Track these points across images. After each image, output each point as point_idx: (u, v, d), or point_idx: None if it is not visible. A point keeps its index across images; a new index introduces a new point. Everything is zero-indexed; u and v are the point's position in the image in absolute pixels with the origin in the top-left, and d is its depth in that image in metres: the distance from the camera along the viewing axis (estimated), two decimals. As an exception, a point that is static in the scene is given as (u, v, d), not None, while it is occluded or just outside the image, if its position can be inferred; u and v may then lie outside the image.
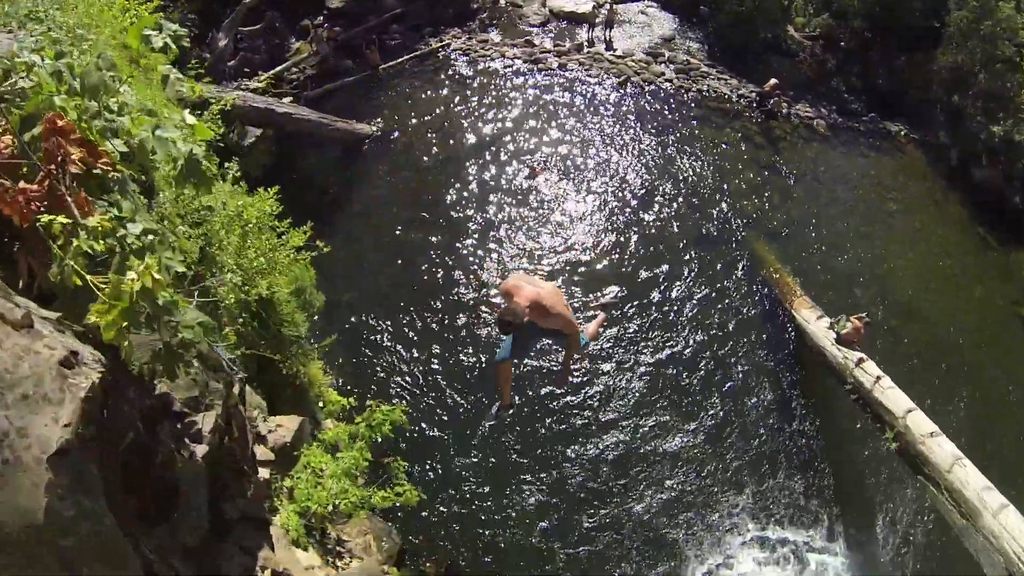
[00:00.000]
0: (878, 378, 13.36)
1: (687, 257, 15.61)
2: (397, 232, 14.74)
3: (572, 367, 9.98)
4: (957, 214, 19.63)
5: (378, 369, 12.92)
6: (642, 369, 13.87)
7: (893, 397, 13.23)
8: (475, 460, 12.25)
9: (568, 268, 14.93)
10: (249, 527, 6.55)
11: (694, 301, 15.02)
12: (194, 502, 4.71)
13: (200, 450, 4.69)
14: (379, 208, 15.16)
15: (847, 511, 13.70)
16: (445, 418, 12.59)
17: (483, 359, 13.18)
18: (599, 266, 15.11)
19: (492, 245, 14.97)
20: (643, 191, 16.85)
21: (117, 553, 2.93)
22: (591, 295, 14.60)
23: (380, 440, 8.95)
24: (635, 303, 14.65)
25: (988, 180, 21.27)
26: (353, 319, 13.22)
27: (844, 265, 16.61)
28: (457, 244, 14.86)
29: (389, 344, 13.19)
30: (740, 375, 14.33)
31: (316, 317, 10.54)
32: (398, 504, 8.90)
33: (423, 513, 11.60)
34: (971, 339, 16.18)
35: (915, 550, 13.72)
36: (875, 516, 13.87)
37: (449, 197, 15.66)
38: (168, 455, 4.28)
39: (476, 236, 15.03)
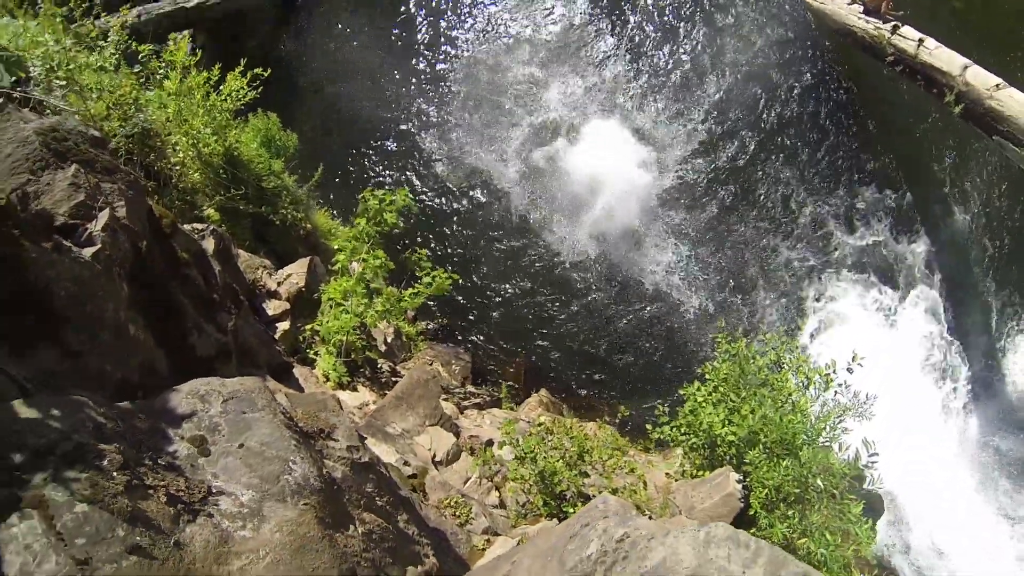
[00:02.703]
0: (921, 40, 11.41)
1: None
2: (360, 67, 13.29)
3: None
4: None
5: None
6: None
7: (944, 56, 11.34)
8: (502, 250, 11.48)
9: None
10: (248, 367, 5.97)
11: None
12: (94, 314, 3.87)
13: (87, 252, 3.80)
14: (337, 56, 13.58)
15: (915, 187, 12.26)
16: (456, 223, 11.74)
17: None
18: None
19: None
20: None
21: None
22: None
23: (386, 230, 8.08)
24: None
25: None
26: (340, 156, 12.20)
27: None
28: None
29: (379, 169, 12.19)
30: (765, 78, 12.70)
31: (295, 161, 9.60)
32: (432, 296, 8.16)
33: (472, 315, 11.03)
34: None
35: (995, 217, 12.21)
36: (946, 189, 12.35)
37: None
38: (35, 259, 3.42)
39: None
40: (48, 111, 5.05)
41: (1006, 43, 12.79)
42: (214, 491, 2.86)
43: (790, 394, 7.44)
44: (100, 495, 2.34)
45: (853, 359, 7.28)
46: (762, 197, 12.12)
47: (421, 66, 12.86)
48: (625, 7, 13.28)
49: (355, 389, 7.94)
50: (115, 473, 2.48)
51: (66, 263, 3.73)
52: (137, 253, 4.50)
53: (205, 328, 5.18)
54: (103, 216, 4.32)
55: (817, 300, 11.77)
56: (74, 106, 6.77)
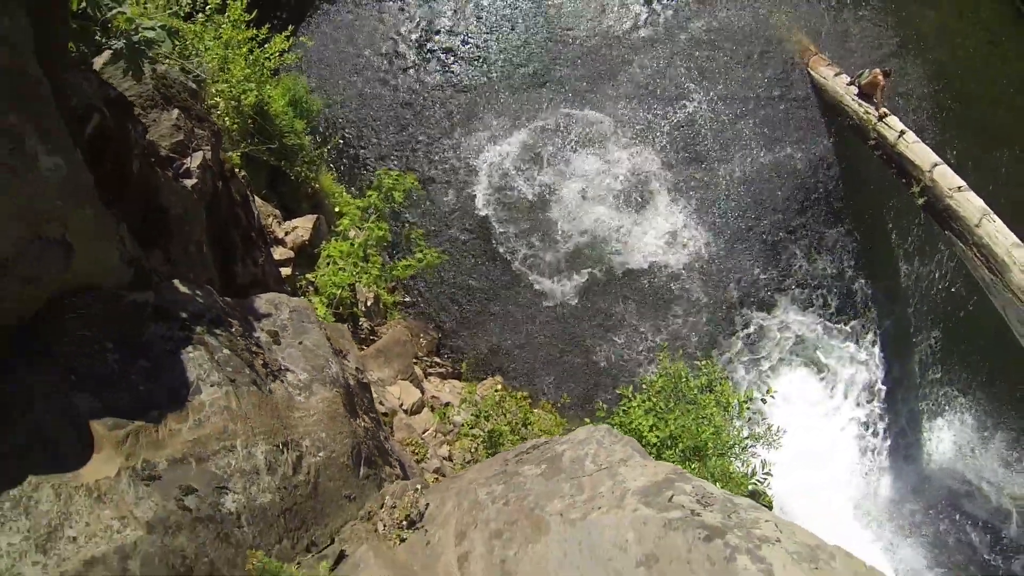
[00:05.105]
0: (902, 132, 13.41)
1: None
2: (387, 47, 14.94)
3: None
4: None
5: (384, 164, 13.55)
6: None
7: (918, 151, 13.34)
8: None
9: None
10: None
11: (701, 64, 15.04)
12: (189, 234, 5.47)
13: (189, 183, 5.41)
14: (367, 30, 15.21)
15: (872, 263, 14.35)
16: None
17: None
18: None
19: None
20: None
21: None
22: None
23: (394, 207, 9.72)
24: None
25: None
26: (354, 129, 13.84)
27: (863, 27, 16.08)
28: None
29: (388, 145, 13.86)
30: (758, 139, 14.63)
31: (317, 125, 11.20)
32: (422, 270, 9.80)
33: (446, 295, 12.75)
34: (1003, 102, 15.74)
35: (939, 305, 14.37)
36: (899, 269, 14.49)
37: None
38: (163, 183, 5.01)
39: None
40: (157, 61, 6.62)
41: (995, 140, 15.17)
42: (283, 368, 4.57)
43: (711, 413, 9.35)
44: (235, 347, 4.06)
45: (768, 391, 9.24)
46: (730, 232, 13.99)
47: (451, 61, 14.61)
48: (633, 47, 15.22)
49: (338, 339, 9.63)
50: (239, 338, 4.20)
51: (179, 190, 5.39)
52: (215, 191, 6.16)
53: (245, 260, 6.83)
54: (198, 156, 5.98)
55: (756, 334, 13.72)
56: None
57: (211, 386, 3.70)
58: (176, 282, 4.27)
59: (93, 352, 3.37)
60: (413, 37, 14.83)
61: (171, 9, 8.85)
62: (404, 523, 4.43)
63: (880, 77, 13.52)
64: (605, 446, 3.60)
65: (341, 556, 3.90)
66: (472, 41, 14.92)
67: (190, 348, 3.81)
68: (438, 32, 14.94)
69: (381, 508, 4.69)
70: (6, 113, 2.62)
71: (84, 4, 4.58)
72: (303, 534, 3.91)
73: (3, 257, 2.68)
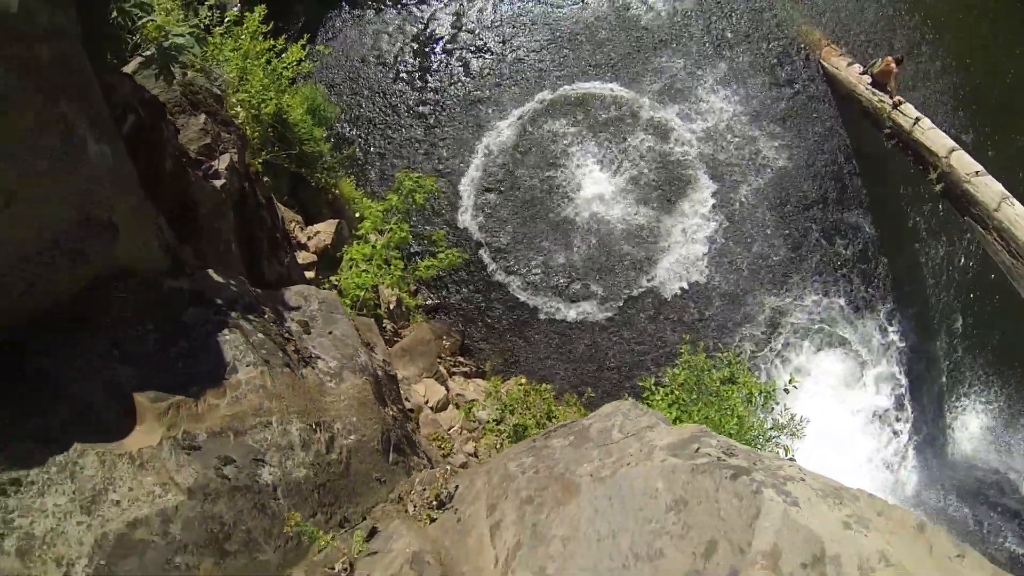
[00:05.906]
0: (917, 119, 13.41)
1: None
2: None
3: None
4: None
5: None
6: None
7: (934, 137, 13.32)
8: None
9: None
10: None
11: (713, 58, 15.18)
12: (218, 232, 5.65)
13: (217, 183, 5.59)
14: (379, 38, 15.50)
15: (893, 248, 14.34)
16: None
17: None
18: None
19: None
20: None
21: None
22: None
23: (413, 208, 9.86)
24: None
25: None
26: (373, 133, 14.07)
27: (873, 16, 16.14)
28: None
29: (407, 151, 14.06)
30: (773, 131, 14.71)
31: (334, 129, 11.39)
32: (442, 270, 9.92)
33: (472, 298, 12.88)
34: (1017, 86, 15.71)
35: (963, 288, 14.29)
36: (921, 253, 14.47)
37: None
38: (194, 182, 5.19)
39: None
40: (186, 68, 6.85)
41: (1013, 124, 15.18)
42: (313, 355, 4.71)
43: (735, 405, 9.36)
44: (268, 331, 4.21)
45: (790, 381, 9.24)
46: (748, 224, 14.02)
47: (466, 63, 14.85)
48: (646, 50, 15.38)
49: (361, 340, 9.79)
50: (272, 324, 4.35)
51: (208, 190, 5.58)
52: (241, 192, 6.35)
53: (271, 260, 7.01)
54: (225, 159, 6.17)
55: (778, 320, 13.66)
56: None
57: (247, 366, 3.84)
58: (210, 272, 4.43)
59: (135, 332, 3.53)
60: (429, 41, 15.10)
61: (191, 21, 9.11)
62: (434, 503, 4.54)
63: (892, 65, 13.53)
64: (631, 418, 3.70)
65: (374, 531, 4.01)
66: (486, 43, 15.16)
67: (226, 331, 3.96)
68: (453, 36, 15.20)
69: (411, 491, 4.79)
70: (60, 102, 2.79)
71: (115, 14, 4.80)
72: (336, 510, 4.03)
73: (55, 234, 2.85)
